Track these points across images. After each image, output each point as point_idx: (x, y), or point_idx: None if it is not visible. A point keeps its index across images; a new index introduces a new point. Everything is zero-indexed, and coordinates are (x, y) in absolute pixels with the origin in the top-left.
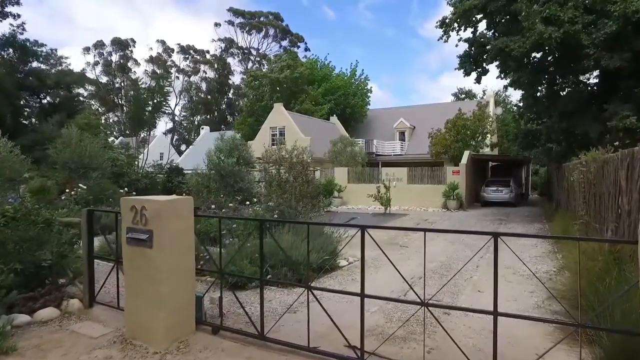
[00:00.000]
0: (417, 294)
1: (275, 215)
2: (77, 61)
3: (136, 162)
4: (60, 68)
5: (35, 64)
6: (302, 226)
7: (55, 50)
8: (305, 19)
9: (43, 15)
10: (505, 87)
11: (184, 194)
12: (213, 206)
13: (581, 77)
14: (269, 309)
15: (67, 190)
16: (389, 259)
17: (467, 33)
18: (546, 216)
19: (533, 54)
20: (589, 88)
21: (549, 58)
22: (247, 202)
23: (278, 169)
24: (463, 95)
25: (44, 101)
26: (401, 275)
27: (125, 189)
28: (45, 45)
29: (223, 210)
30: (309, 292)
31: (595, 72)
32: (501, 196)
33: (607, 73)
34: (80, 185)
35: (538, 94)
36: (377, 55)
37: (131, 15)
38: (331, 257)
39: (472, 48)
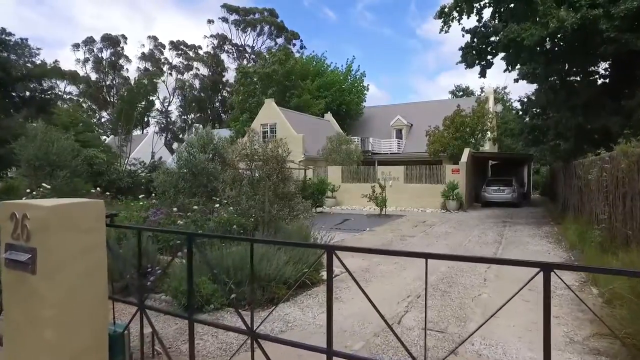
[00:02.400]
0: (409, 353)
1: (252, 219)
2: (74, 60)
3: (120, 161)
4: (33, 60)
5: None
6: (280, 233)
7: (26, 39)
8: (306, 20)
9: (43, 15)
10: (516, 80)
11: (153, 194)
12: (175, 209)
13: (594, 68)
14: (224, 343)
15: (28, 191)
16: (359, 286)
17: (469, 23)
18: (552, 218)
19: (544, 44)
20: (603, 80)
21: (562, 44)
22: (217, 205)
23: (250, 165)
24: (461, 93)
25: (13, 94)
26: (380, 315)
27: (98, 188)
28: (14, 34)
29: (188, 214)
30: (253, 343)
31: (607, 65)
32: (503, 196)
33: (622, 63)
34: (44, 184)
35: (552, 86)
36: (375, 55)
37: (133, 17)
38: (311, 270)
39: (475, 39)
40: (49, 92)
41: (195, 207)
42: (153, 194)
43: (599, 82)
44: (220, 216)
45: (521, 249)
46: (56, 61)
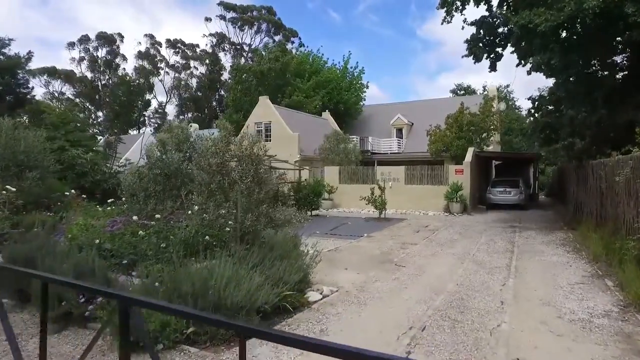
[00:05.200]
0: None
1: (228, 229)
2: (69, 59)
3: (109, 161)
4: (3, 51)
5: None
6: (258, 245)
7: None
8: (309, 22)
9: (46, 17)
10: (529, 73)
11: (123, 199)
12: (135, 217)
13: (616, 59)
14: None
15: None
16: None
17: (472, 15)
18: (565, 222)
19: (560, 31)
20: (624, 72)
21: (580, 32)
22: (190, 212)
23: (221, 166)
24: (462, 92)
25: None
26: None
27: (73, 191)
28: None
29: (152, 223)
30: None
31: (627, 56)
32: (509, 198)
33: None
34: (8, 187)
35: (572, 78)
36: (377, 57)
37: (137, 18)
38: (294, 292)
39: (482, 31)
40: (25, 86)
41: (158, 215)
42: (123, 198)
43: (621, 74)
44: (190, 227)
45: (537, 259)
46: (30, 52)
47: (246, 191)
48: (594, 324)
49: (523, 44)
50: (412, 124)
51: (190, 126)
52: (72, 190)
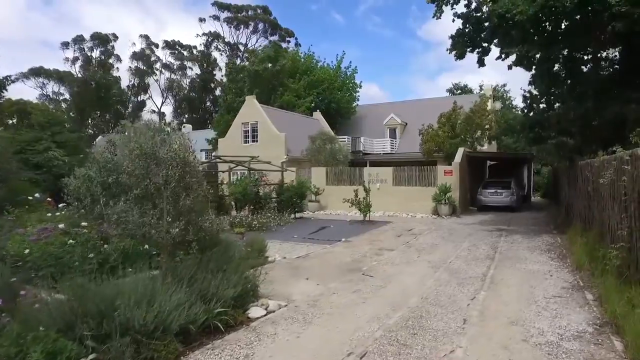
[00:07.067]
0: None
1: (147, 237)
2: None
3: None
4: None
5: None
6: (203, 252)
7: None
8: (311, 24)
9: (49, 18)
10: (510, 67)
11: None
12: (61, 225)
13: (603, 54)
14: None
15: None
16: None
17: (462, 7)
18: (555, 225)
19: (541, 22)
20: (614, 65)
21: (565, 24)
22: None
23: (147, 168)
24: (459, 91)
25: None
26: None
27: (37, 194)
28: None
29: (83, 230)
30: None
31: (617, 51)
32: (501, 199)
33: (633, 47)
34: None
35: (554, 74)
36: (378, 57)
37: (143, 21)
38: (230, 309)
39: (467, 25)
40: None
41: (84, 223)
42: (77, 203)
43: (609, 70)
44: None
45: (518, 267)
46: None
47: (172, 197)
48: (562, 348)
49: (502, 33)
50: (406, 124)
51: (184, 127)
52: (37, 194)
